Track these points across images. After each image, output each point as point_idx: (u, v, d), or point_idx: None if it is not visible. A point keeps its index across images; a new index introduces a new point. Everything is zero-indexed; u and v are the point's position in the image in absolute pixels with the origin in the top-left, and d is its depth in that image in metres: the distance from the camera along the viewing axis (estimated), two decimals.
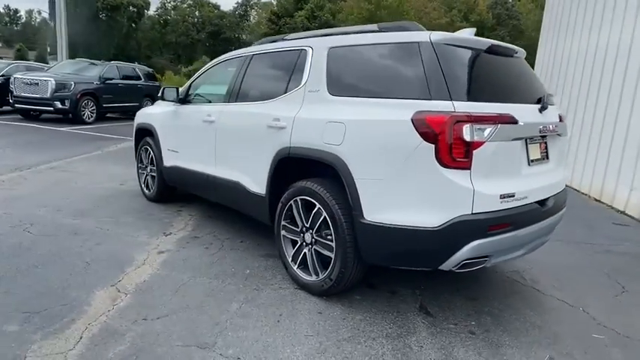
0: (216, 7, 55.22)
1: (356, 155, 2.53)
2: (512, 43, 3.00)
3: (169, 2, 56.34)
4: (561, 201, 2.89)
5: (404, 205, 2.39)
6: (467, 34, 2.73)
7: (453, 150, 2.23)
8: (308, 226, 2.90)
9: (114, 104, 13.19)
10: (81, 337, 2.37)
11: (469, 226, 2.28)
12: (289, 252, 3.09)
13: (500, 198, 2.35)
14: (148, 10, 52.03)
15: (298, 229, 2.99)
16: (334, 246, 2.70)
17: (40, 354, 2.21)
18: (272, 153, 3.10)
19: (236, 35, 53.97)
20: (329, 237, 2.78)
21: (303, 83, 3.03)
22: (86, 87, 11.94)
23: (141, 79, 14.70)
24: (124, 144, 9.14)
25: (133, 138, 5.35)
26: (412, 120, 2.31)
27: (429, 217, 2.31)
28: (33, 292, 2.83)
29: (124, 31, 48.32)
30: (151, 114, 4.99)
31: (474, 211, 2.28)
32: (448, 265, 2.38)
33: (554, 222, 2.83)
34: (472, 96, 2.34)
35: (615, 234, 4.80)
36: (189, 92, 4.43)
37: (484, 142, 2.27)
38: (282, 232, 3.12)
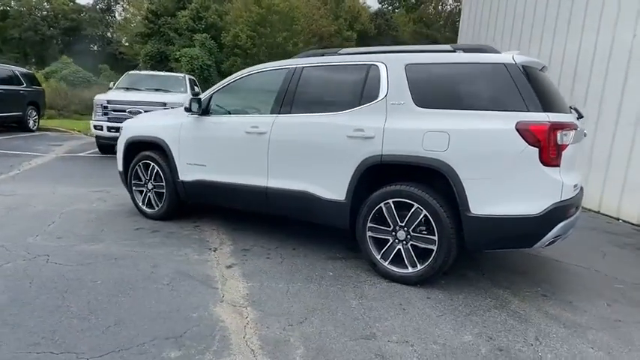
0: None
1: (463, 159, 2.99)
2: None
3: None
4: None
5: (509, 198, 2.93)
6: (517, 55, 3.32)
7: (550, 152, 2.85)
8: (403, 224, 3.25)
9: None
10: (252, 350, 2.39)
11: (559, 211, 2.92)
12: (377, 251, 3.39)
13: (573, 188, 3.05)
14: None
15: (390, 229, 3.32)
16: (436, 239, 3.11)
17: None
18: (356, 161, 3.38)
19: (99, 33, 48.69)
20: (424, 232, 3.18)
21: (382, 96, 3.38)
22: None
23: (22, 84, 12.82)
24: (38, 160, 8.21)
25: (121, 154, 4.95)
26: (517, 129, 2.87)
27: (532, 206, 2.89)
28: (148, 320, 2.66)
29: None
30: (155, 126, 4.72)
31: (561, 199, 2.93)
32: (541, 243, 2.99)
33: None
34: (551, 107, 2.99)
35: None
36: (211, 103, 4.36)
37: (568, 145, 2.94)
38: (369, 233, 3.41)
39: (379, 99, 3.39)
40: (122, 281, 3.19)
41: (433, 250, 3.14)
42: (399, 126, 3.25)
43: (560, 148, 2.90)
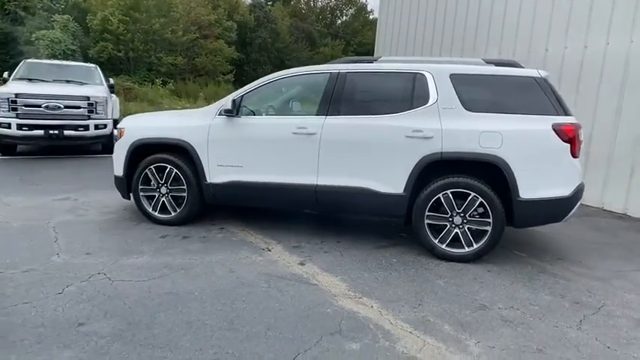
0: None
1: (514, 154, 3.66)
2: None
3: None
4: None
5: (548, 184, 3.70)
6: (541, 70, 4.02)
7: (576, 147, 3.68)
8: (460, 211, 3.81)
9: None
10: (410, 332, 2.70)
11: (579, 192, 3.80)
12: (435, 236, 3.90)
13: (581, 174, 3.96)
14: None
15: (447, 215, 3.85)
16: (491, 221, 3.75)
17: None
18: (416, 158, 3.82)
19: None
20: (477, 216, 3.80)
21: (433, 101, 3.87)
22: None
23: None
24: None
25: (123, 158, 4.57)
26: (554, 129, 3.63)
27: (565, 189, 3.71)
28: (293, 321, 2.76)
29: None
30: (177, 128, 4.46)
31: (580, 183, 3.80)
32: (566, 218, 3.84)
33: None
34: (567, 111, 3.82)
35: None
36: (242, 104, 4.32)
37: (582, 141, 3.81)
38: (427, 221, 3.89)
39: (430, 104, 3.87)
40: (220, 290, 3.14)
41: (488, 230, 3.77)
42: (455, 127, 3.77)
43: (580, 143, 3.76)
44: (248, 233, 4.43)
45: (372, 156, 3.96)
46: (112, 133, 9.06)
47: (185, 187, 4.44)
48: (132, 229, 4.41)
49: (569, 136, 3.65)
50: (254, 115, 4.36)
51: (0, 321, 2.59)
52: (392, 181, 3.92)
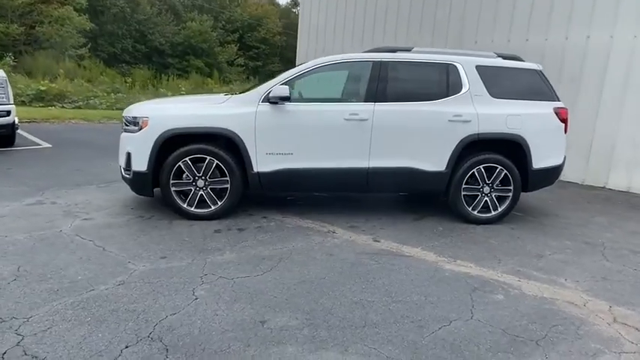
0: None
1: (530, 133, 4.51)
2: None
3: None
4: None
5: (550, 156, 4.67)
6: (539, 64, 4.96)
7: (567, 125, 4.72)
8: (489, 182, 4.57)
9: None
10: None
11: (564, 160, 4.89)
12: (468, 205, 4.60)
13: None
14: None
15: (479, 186, 4.57)
16: (512, 188, 4.60)
17: None
18: (457, 139, 4.42)
19: None
20: (500, 185, 4.61)
21: (466, 89, 4.50)
22: None
23: None
24: None
25: (149, 152, 4.16)
26: (554, 112, 4.60)
27: (559, 159, 4.75)
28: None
29: None
30: (218, 115, 4.22)
31: (565, 155, 4.90)
32: (556, 181, 4.91)
33: None
34: (558, 97, 4.84)
35: None
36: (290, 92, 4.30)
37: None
38: (464, 193, 4.57)
39: (464, 91, 4.50)
40: (342, 272, 3.30)
41: (509, 196, 4.62)
42: (487, 111, 4.47)
43: (567, 123, 4.82)
44: (296, 220, 4.52)
45: (418, 139, 4.43)
46: (14, 122, 7.70)
47: (228, 177, 4.28)
48: (172, 227, 4.11)
49: (564, 117, 4.67)
50: (311, 102, 4.46)
51: (178, 334, 2.40)
52: (436, 160, 4.47)
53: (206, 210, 4.33)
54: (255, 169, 4.29)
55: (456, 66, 4.55)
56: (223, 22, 38.25)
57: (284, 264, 3.40)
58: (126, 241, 3.73)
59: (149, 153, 4.16)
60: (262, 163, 4.29)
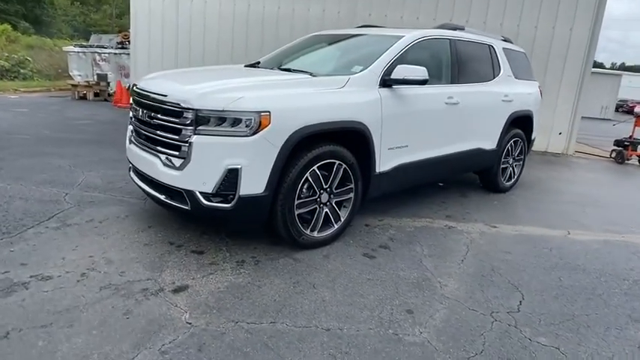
0: None
1: (534, 109, 5.23)
2: None
3: None
4: None
5: (536, 128, 5.60)
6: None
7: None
8: (515, 154, 5.15)
9: None
10: None
11: None
12: (502, 176, 5.09)
13: None
14: None
15: (508, 158, 5.09)
16: (523, 157, 5.33)
17: None
18: (505, 118, 4.73)
19: None
20: (517, 155, 5.27)
21: (502, 71, 4.80)
22: None
23: None
24: None
25: (274, 161, 2.78)
26: (539, 90, 5.49)
27: (536, 132, 5.75)
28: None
29: None
30: (354, 104, 3.17)
31: None
32: None
33: None
34: None
35: None
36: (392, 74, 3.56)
37: None
38: (502, 167, 5.00)
39: (502, 72, 4.81)
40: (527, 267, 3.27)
41: (521, 165, 5.36)
42: (518, 91, 4.93)
43: None
44: (409, 221, 3.96)
45: (484, 120, 4.53)
46: None
47: (352, 185, 3.33)
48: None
49: (540, 92, 5.63)
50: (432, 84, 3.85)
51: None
52: (493, 139, 4.69)
53: (328, 232, 3.27)
54: (377, 170, 3.47)
55: (494, 47, 4.78)
56: None
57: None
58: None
59: (272, 165, 2.78)
60: (384, 161, 3.51)
